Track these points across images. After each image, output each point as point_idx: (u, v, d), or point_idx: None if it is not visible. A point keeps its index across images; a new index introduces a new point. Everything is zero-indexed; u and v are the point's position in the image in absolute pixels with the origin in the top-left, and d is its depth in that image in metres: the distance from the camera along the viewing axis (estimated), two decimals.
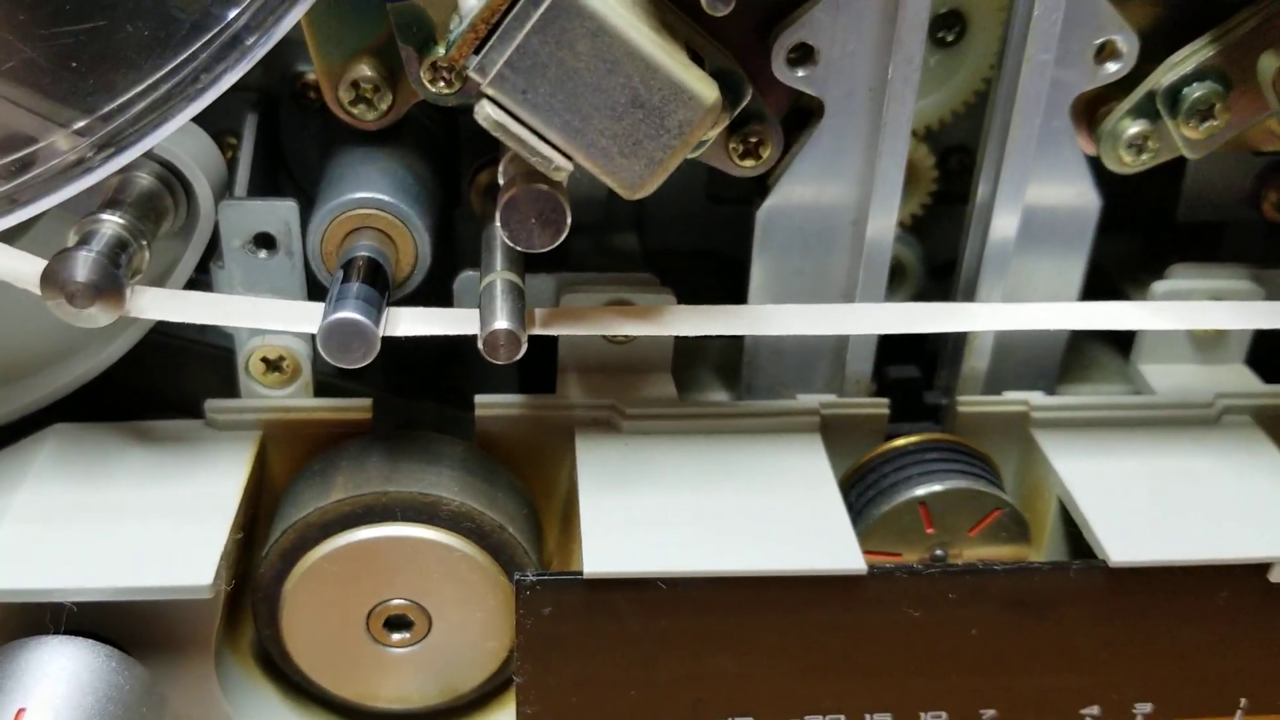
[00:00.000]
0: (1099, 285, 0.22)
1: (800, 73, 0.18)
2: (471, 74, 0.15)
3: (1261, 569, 0.18)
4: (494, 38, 0.15)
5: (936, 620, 0.18)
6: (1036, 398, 0.21)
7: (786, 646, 0.18)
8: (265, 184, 0.22)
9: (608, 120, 0.15)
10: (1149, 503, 0.19)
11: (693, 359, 0.22)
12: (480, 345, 0.17)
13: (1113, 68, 0.19)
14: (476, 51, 0.15)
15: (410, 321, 0.18)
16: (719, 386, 0.22)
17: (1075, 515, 0.19)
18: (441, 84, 0.18)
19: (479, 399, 0.20)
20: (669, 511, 0.19)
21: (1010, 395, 0.21)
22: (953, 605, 0.18)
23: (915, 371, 0.22)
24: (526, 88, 0.15)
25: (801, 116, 0.20)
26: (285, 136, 0.24)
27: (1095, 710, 0.19)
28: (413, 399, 0.24)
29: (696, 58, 0.17)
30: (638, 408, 0.20)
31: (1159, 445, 0.20)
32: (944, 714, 0.19)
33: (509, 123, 0.15)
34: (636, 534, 0.18)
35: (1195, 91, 0.19)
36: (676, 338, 0.20)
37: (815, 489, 0.19)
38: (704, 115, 0.15)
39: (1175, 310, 0.20)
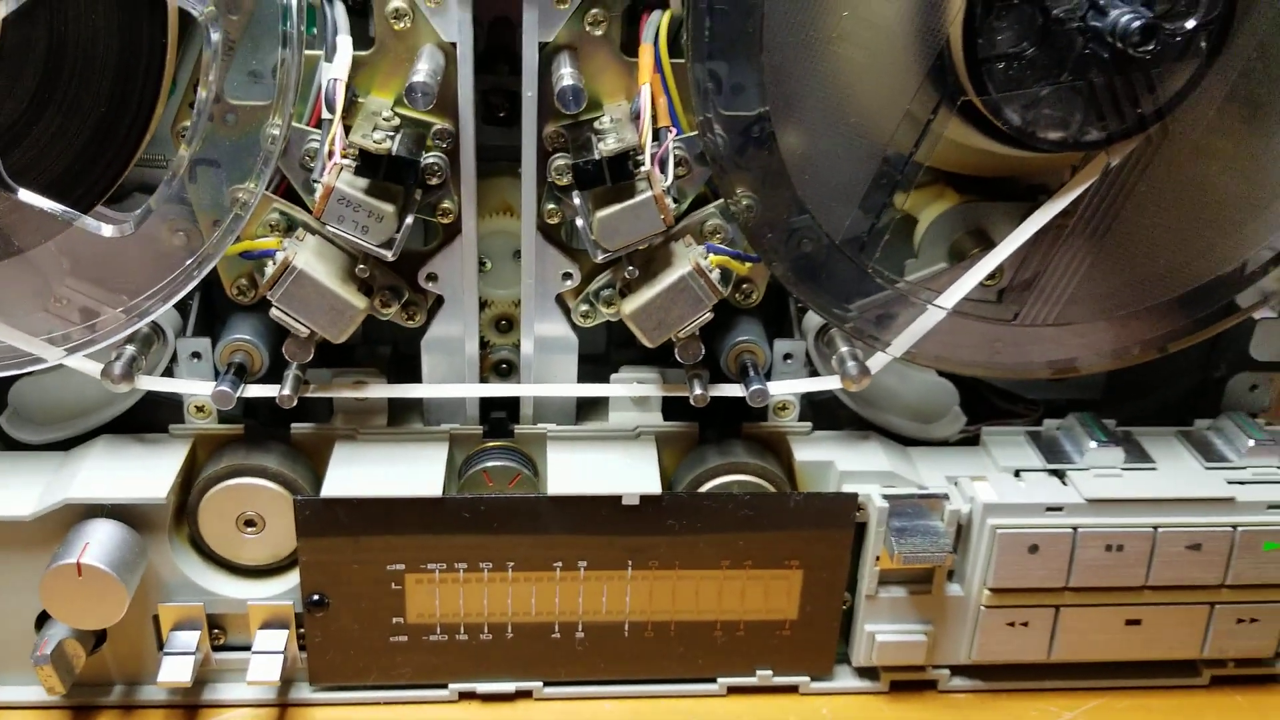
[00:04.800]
0: None
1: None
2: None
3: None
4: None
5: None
6: (552, 429, 0.44)
7: (435, 532, 0.40)
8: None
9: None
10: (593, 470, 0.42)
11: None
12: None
13: None
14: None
15: None
16: (419, 419, 0.45)
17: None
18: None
19: (296, 426, 0.43)
20: (370, 473, 0.41)
21: (542, 426, 0.44)
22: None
23: (504, 414, 0.44)
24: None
25: None
26: None
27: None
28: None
29: (367, 284, 0.39)
30: (366, 429, 0.43)
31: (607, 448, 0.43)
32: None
33: (284, 319, 0.38)
34: (349, 483, 0.41)
35: None
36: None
37: (434, 463, 0.42)
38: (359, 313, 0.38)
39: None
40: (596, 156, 0.37)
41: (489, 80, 0.42)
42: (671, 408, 0.45)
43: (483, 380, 0.44)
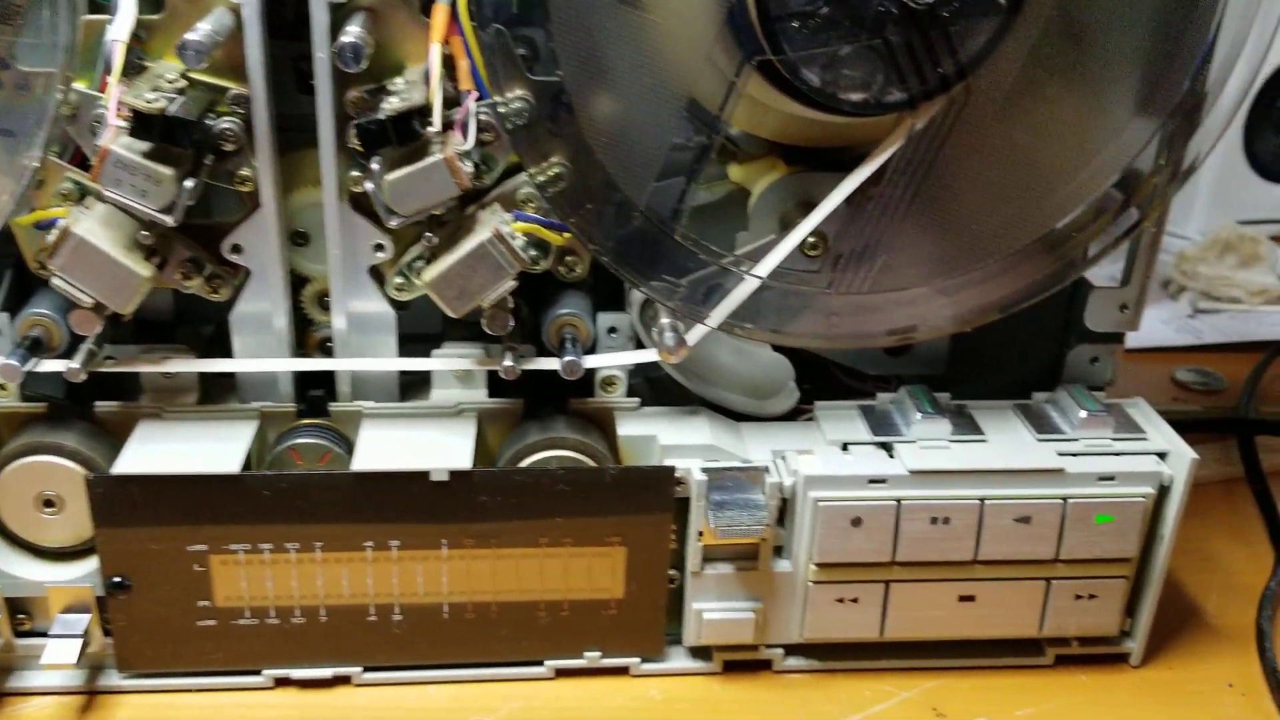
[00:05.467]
0: None
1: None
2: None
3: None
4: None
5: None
6: (369, 406, 0.42)
7: (236, 511, 0.39)
8: None
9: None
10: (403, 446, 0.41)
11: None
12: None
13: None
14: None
15: None
16: (236, 399, 0.44)
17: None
18: None
19: (100, 404, 0.41)
20: (168, 450, 0.40)
21: (360, 403, 0.42)
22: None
23: (321, 393, 0.43)
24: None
25: None
26: None
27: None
28: None
29: (155, 253, 0.38)
30: (173, 407, 0.42)
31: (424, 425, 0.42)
32: None
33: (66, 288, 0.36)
34: (145, 460, 0.40)
35: None
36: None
37: (237, 440, 0.41)
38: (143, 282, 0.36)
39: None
40: (381, 117, 0.36)
41: (300, 48, 0.41)
42: (502, 385, 0.45)
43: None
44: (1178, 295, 0.76)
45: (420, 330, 0.44)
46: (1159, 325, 0.72)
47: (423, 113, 0.37)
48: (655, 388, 0.46)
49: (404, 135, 0.36)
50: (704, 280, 0.42)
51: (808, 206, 0.42)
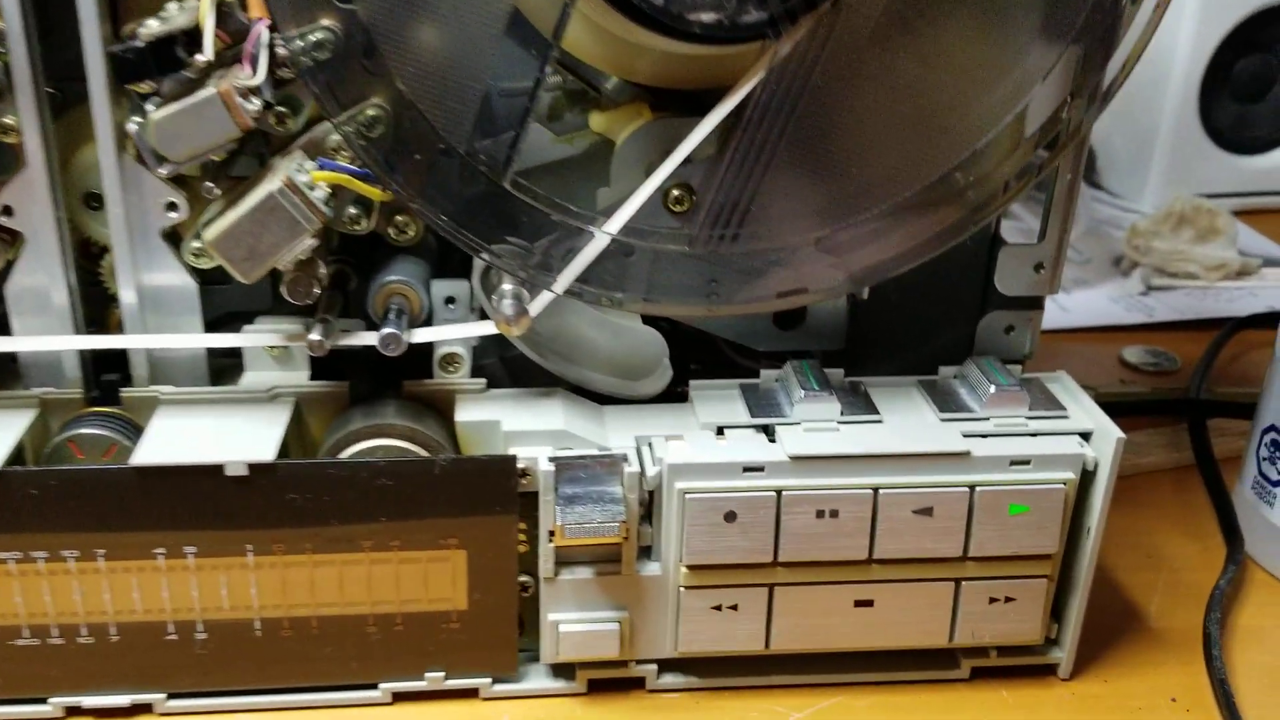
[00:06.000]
0: None
1: None
2: None
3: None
4: None
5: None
6: (167, 391, 0.37)
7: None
8: None
9: None
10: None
11: None
12: None
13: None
14: None
15: None
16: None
17: None
18: None
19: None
20: None
21: (157, 388, 0.37)
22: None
23: (117, 377, 0.38)
24: None
25: None
26: None
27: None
28: None
29: None
30: None
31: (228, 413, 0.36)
32: None
33: None
34: None
35: None
36: None
37: (9, 431, 0.35)
38: None
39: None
40: (139, 44, 0.31)
41: None
42: (329, 367, 0.39)
43: None
44: (1130, 272, 0.71)
45: (252, 307, 0.39)
46: (1108, 303, 0.67)
47: (197, 41, 0.32)
48: (512, 369, 0.40)
49: (167, 64, 0.30)
50: (561, 242, 0.37)
51: None
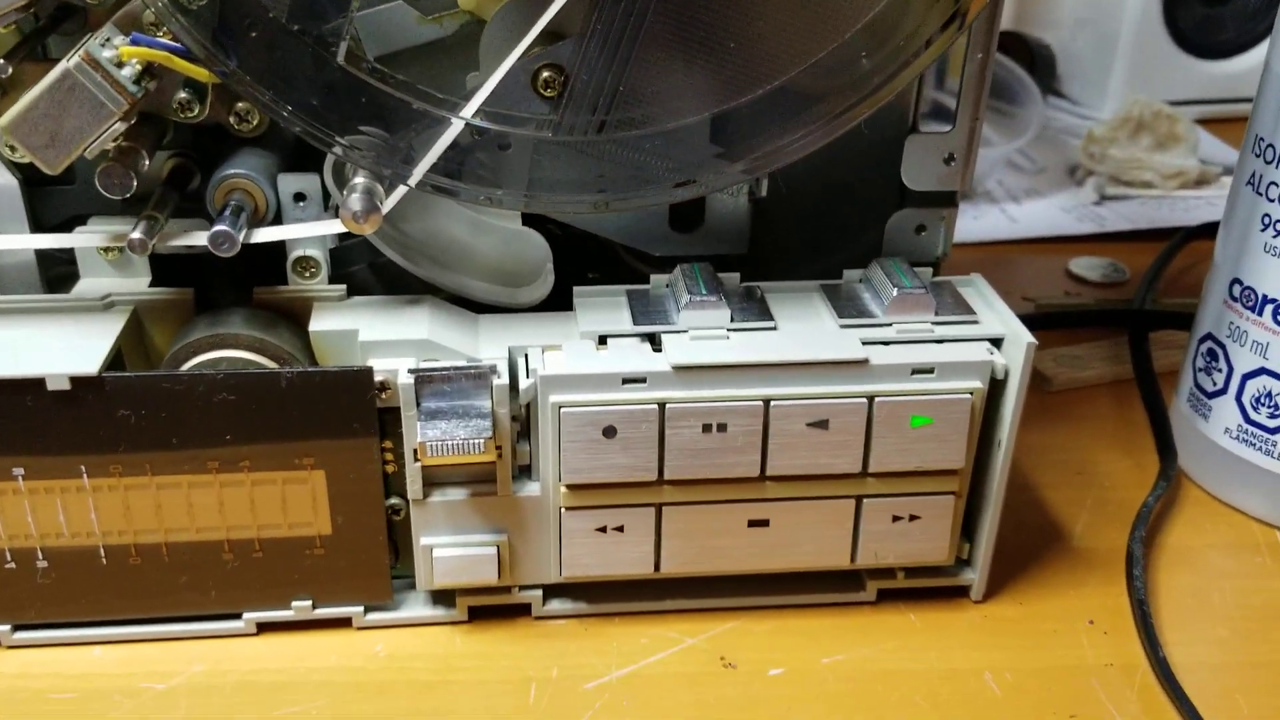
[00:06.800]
0: None
1: None
2: None
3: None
4: None
5: None
6: None
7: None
8: None
9: None
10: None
11: None
12: None
13: None
14: None
15: None
16: None
17: None
18: None
19: None
20: None
21: None
22: None
23: None
24: None
25: None
26: None
27: None
28: None
29: None
30: None
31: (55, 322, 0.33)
32: None
33: None
34: None
35: None
36: None
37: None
38: None
39: None
40: None
41: None
42: (176, 272, 0.36)
43: None
44: (1085, 180, 0.68)
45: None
46: (1058, 213, 0.64)
47: None
48: (384, 277, 0.37)
49: None
50: (425, 135, 0.33)
51: (550, 37, 0.34)
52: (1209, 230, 0.61)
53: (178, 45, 0.30)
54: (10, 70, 0.29)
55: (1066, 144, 0.72)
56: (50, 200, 0.36)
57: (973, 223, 0.63)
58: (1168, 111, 0.68)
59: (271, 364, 0.33)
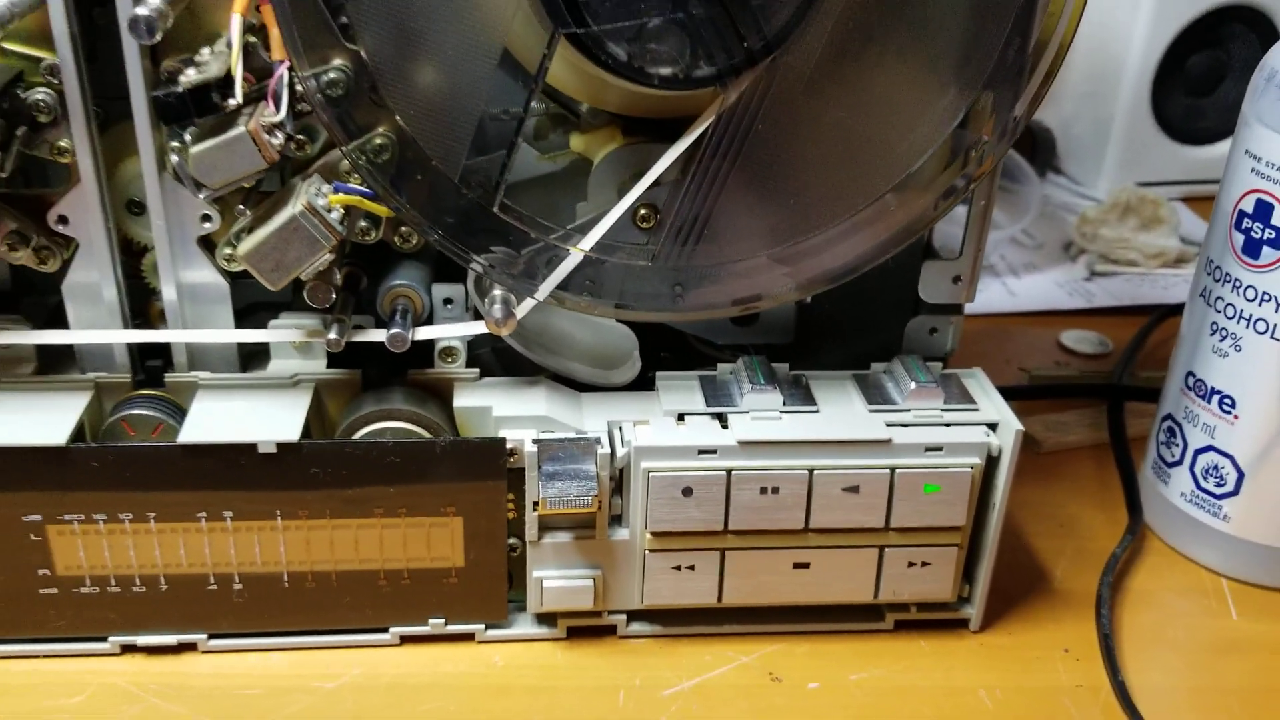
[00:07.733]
0: None
1: None
2: None
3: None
4: None
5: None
6: (205, 377, 0.43)
7: (67, 482, 0.39)
8: None
9: None
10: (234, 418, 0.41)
11: None
12: None
13: None
14: None
15: None
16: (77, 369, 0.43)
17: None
18: None
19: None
20: None
21: (195, 374, 0.43)
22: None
23: (160, 363, 0.43)
24: None
25: None
26: None
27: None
28: None
29: None
30: (7, 377, 0.42)
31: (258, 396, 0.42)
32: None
33: None
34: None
35: None
36: None
37: (67, 411, 0.41)
38: None
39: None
40: (179, 89, 0.36)
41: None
42: (343, 356, 0.45)
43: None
44: (1078, 258, 0.76)
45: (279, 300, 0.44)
46: (1053, 287, 0.73)
47: (228, 84, 0.37)
48: (503, 359, 0.46)
49: (204, 108, 0.36)
50: (544, 252, 0.42)
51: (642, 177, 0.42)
52: (1182, 310, 0.69)
53: (366, 190, 0.39)
54: (248, 213, 0.38)
55: (1065, 220, 0.81)
56: (238, 292, 0.45)
57: (978, 295, 0.71)
58: (1151, 196, 0.77)
59: (425, 433, 0.42)
